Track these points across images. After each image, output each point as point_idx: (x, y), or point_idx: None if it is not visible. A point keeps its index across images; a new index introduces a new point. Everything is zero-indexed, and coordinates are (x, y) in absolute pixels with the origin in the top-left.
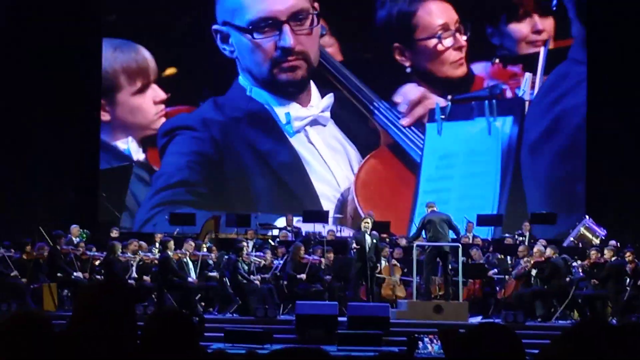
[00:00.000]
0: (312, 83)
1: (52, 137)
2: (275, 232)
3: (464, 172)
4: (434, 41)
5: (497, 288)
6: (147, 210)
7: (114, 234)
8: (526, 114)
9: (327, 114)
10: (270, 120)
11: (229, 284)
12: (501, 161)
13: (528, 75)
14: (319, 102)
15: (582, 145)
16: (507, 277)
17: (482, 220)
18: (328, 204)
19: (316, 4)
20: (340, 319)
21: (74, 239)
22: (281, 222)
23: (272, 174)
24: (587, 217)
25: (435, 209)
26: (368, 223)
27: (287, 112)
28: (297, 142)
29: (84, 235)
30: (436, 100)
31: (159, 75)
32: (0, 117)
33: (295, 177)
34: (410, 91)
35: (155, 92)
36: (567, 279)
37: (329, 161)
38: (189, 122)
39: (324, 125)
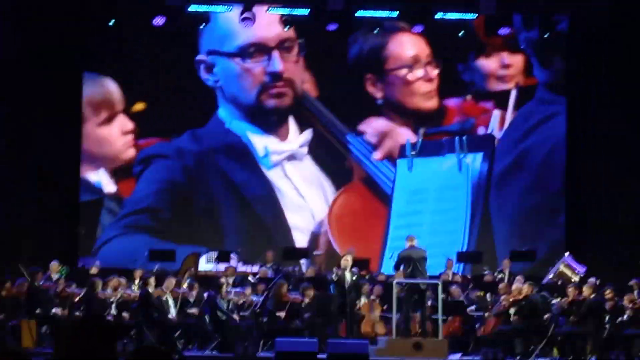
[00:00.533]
0: (290, 117)
1: (31, 172)
2: (255, 269)
3: (435, 207)
4: (404, 71)
5: (477, 325)
6: (108, 234)
7: (94, 270)
8: (495, 150)
9: (305, 149)
10: (247, 152)
11: (208, 320)
12: (471, 197)
13: (497, 112)
14: (297, 137)
15: (559, 179)
16: (486, 314)
17: (462, 257)
18: (301, 237)
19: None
20: (319, 355)
21: (53, 275)
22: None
23: (244, 205)
24: (566, 254)
25: (414, 243)
26: (348, 260)
27: (265, 146)
28: (274, 176)
29: (63, 271)
30: (407, 137)
31: (127, 107)
32: None
33: (267, 209)
34: (379, 124)
35: (123, 123)
36: (546, 316)
37: (305, 194)
38: (164, 151)
39: (300, 160)
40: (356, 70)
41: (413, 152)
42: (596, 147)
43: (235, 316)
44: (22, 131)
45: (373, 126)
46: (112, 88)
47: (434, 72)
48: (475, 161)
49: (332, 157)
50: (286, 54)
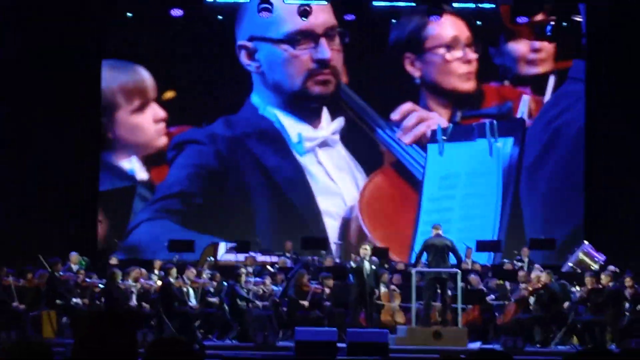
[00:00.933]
0: (324, 106)
1: (51, 160)
2: (274, 258)
3: (466, 192)
4: (442, 50)
5: (496, 314)
6: (140, 218)
7: (113, 261)
8: (526, 135)
9: (337, 136)
10: (280, 138)
11: (228, 310)
12: (502, 182)
13: (526, 97)
14: (328, 124)
15: (581, 166)
16: (506, 302)
17: (482, 246)
18: (332, 222)
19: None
20: (339, 345)
21: (73, 266)
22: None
23: (276, 190)
24: (585, 242)
25: (440, 232)
26: (367, 250)
27: (299, 132)
28: (306, 162)
29: (83, 263)
30: (437, 121)
31: (159, 95)
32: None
33: (299, 194)
34: (410, 109)
35: (155, 111)
36: (566, 304)
37: (337, 180)
38: (198, 137)
39: (332, 147)
40: (395, 51)
41: (444, 137)
42: (617, 134)
43: (256, 304)
44: (40, 122)
45: (402, 111)
46: (145, 76)
47: (473, 55)
48: (506, 146)
49: (363, 144)
50: (331, 41)
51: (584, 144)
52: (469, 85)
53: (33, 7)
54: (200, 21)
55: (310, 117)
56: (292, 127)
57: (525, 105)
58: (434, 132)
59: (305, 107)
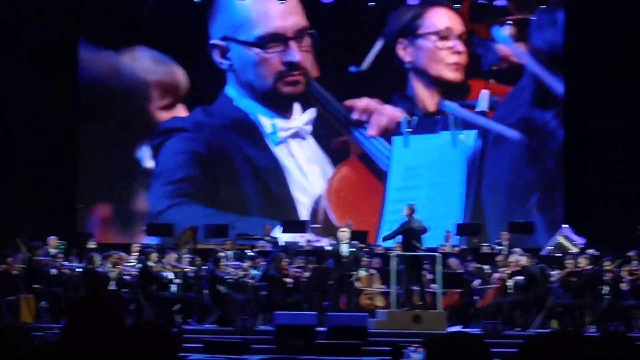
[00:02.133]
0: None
1: (28, 140)
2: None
3: (430, 182)
4: (434, 37)
5: (476, 297)
6: (163, 200)
7: (91, 244)
8: (489, 126)
9: (309, 127)
10: (255, 129)
11: (208, 294)
12: (466, 172)
13: (485, 91)
14: (300, 116)
15: (557, 152)
16: (485, 286)
17: (461, 230)
18: (304, 211)
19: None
20: (319, 329)
21: (51, 250)
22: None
23: (258, 178)
24: (565, 225)
25: (414, 214)
26: (345, 232)
27: (273, 123)
28: (280, 152)
29: (62, 247)
30: (393, 114)
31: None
32: None
33: (276, 183)
34: (365, 105)
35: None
36: (545, 287)
37: (307, 171)
38: (184, 125)
39: (304, 139)
40: (390, 40)
41: (409, 129)
42: (595, 118)
43: (236, 288)
44: (22, 109)
45: (359, 107)
46: (179, 75)
47: (463, 47)
48: (469, 138)
49: (331, 136)
50: (300, 43)
51: (562, 131)
52: (455, 76)
53: None
54: (176, 9)
55: (283, 110)
56: (266, 119)
57: (485, 100)
58: (398, 124)
59: (277, 102)
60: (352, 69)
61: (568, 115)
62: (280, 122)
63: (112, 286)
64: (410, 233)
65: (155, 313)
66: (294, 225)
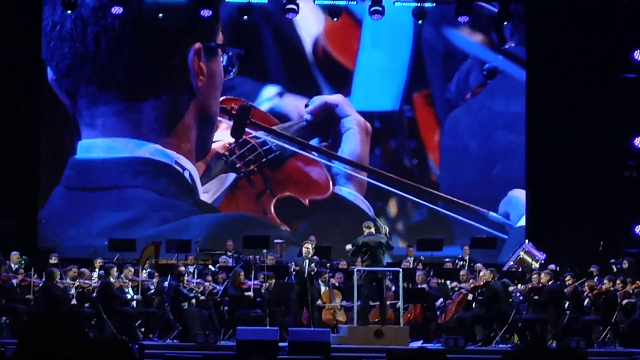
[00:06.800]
0: None
1: None
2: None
3: None
4: None
5: (438, 312)
6: None
7: (53, 260)
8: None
9: None
10: None
11: (169, 310)
12: None
13: None
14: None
15: (519, 164)
16: (447, 301)
17: (422, 245)
18: None
19: None
20: (281, 344)
21: (13, 265)
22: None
23: None
24: (526, 241)
25: (372, 230)
26: (309, 248)
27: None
28: None
29: (23, 262)
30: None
31: None
32: None
33: None
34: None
35: None
36: (507, 303)
37: None
38: None
39: None
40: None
41: None
42: (556, 129)
43: (198, 304)
44: None
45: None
46: None
47: None
48: None
49: None
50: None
51: (524, 142)
52: None
53: None
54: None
55: None
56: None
57: None
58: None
59: None
60: None
61: (530, 130)
62: None
63: (73, 301)
64: (366, 250)
65: (116, 328)
66: (255, 241)
